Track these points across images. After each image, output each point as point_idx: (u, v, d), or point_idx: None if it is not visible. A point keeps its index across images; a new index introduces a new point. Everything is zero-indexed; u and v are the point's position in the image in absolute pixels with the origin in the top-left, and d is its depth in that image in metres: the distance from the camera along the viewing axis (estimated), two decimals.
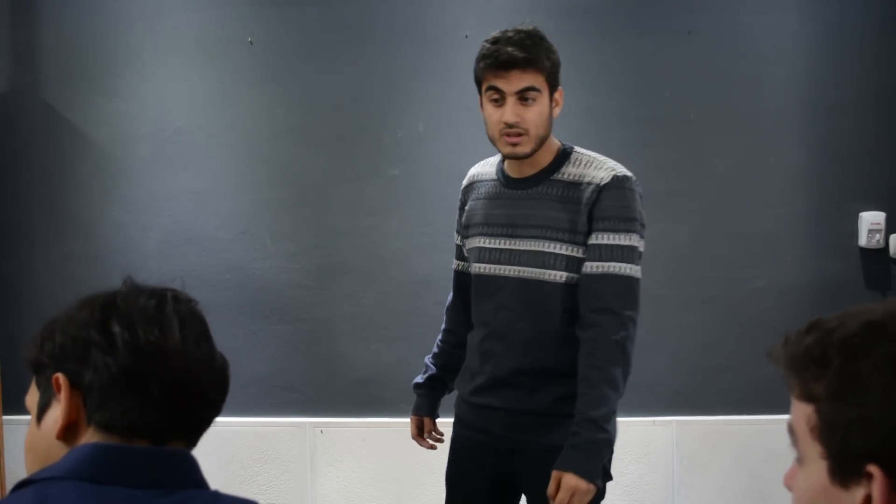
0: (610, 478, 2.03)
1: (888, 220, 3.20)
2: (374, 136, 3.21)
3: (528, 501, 2.07)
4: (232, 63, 3.24)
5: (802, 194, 3.24)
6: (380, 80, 3.23)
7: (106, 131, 3.27)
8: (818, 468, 0.85)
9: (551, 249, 1.97)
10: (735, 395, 3.25)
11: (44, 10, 3.25)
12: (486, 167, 2.16)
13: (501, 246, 2.04)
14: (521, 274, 2.00)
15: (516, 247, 2.01)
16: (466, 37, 3.14)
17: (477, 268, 2.09)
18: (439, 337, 2.29)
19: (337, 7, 3.22)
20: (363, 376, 3.23)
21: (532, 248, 1.99)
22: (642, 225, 2.03)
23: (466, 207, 2.17)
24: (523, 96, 1.94)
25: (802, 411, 0.87)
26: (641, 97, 3.21)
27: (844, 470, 0.83)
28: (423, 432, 2.29)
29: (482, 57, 1.97)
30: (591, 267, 1.95)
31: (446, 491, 2.17)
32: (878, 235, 3.19)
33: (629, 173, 2.02)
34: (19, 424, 3.16)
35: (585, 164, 2.01)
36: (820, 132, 3.23)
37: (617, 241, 1.96)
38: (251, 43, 3.23)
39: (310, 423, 3.22)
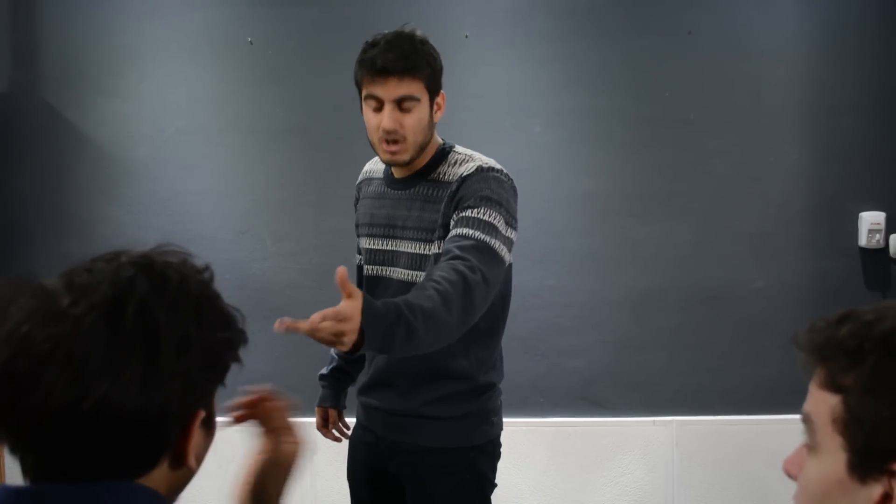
0: (494, 485, 2.06)
1: (888, 220, 3.20)
2: None
3: (409, 502, 2.07)
4: (232, 63, 3.24)
5: (802, 194, 3.24)
6: None
7: (106, 131, 3.27)
8: (835, 460, 0.84)
9: (426, 251, 1.94)
10: (735, 395, 3.25)
11: (44, 10, 3.25)
12: (377, 164, 2.12)
13: (383, 247, 2.03)
14: (401, 276, 1.99)
15: (396, 248, 2.00)
16: (466, 37, 3.14)
17: (366, 269, 2.08)
18: None
19: (337, 7, 3.21)
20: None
21: (409, 250, 1.97)
22: (508, 212, 1.88)
23: (358, 205, 2.17)
24: (401, 105, 1.88)
25: (825, 401, 0.86)
26: (641, 97, 3.21)
27: (865, 465, 0.82)
28: (328, 423, 2.29)
29: (360, 61, 1.90)
30: (449, 235, 1.86)
31: (349, 489, 2.19)
32: (878, 235, 3.19)
33: (497, 166, 1.95)
34: None
35: (459, 163, 1.96)
36: (820, 132, 3.23)
37: (474, 215, 1.84)
38: (251, 43, 3.23)
39: (310, 423, 3.20)
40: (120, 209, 3.28)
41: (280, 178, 3.27)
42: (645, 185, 3.24)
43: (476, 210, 1.84)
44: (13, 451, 0.87)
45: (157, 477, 0.89)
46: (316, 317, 1.49)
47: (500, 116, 3.18)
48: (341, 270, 1.53)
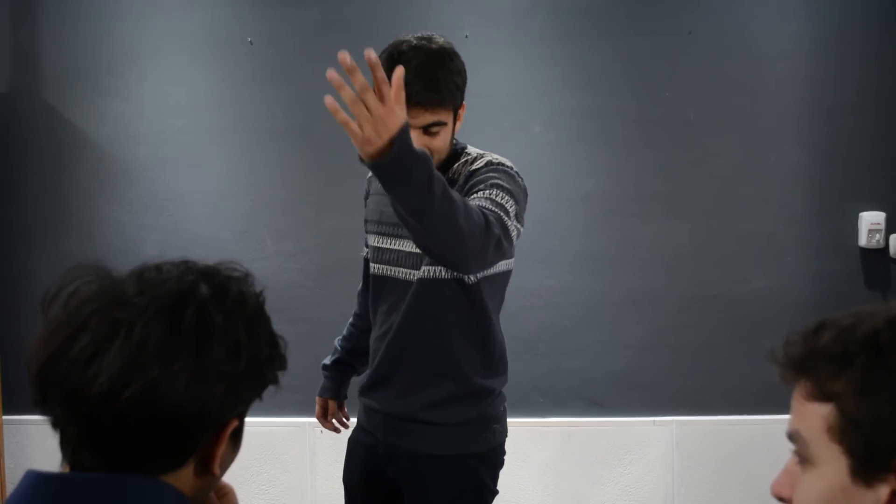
0: (495, 493, 2.04)
1: (888, 220, 3.20)
2: None
3: None
4: (232, 63, 3.24)
5: (802, 194, 3.24)
6: None
7: (106, 131, 3.27)
8: (835, 469, 0.83)
9: None
10: (735, 395, 3.25)
11: (44, 10, 3.25)
12: None
13: (390, 246, 2.02)
14: (406, 276, 1.97)
15: (402, 248, 1.99)
16: (467, 37, 3.14)
17: (373, 267, 2.06)
18: (350, 320, 2.26)
19: (337, 7, 3.21)
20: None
21: (415, 250, 1.94)
22: (517, 203, 1.82)
23: (367, 200, 2.14)
24: (428, 130, 1.85)
25: (815, 412, 0.85)
26: (641, 97, 3.21)
27: (870, 467, 0.81)
28: (328, 414, 2.28)
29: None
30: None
31: (344, 490, 2.18)
32: (878, 235, 3.19)
33: (509, 163, 1.93)
34: (19, 424, 3.15)
35: (470, 162, 1.94)
36: (820, 132, 3.23)
37: (490, 196, 1.78)
38: (251, 43, 3.23)
39: (310, 423, 3.22)
40: (120, 209, 3.28)
41: (280, 178, 3.27)
42: (645, 185, 3.24)
43: (489, 192, 1.80)
44: (55, 425, 0.90)
45: (183, 480, 0.92)
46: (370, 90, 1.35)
47: (500, 116, 3.18)
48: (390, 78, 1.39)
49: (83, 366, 0.86)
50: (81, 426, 0.88)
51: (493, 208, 1.74)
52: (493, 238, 1.65)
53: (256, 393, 0.97)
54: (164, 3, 3.23)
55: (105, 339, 0.86)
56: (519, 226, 1.82)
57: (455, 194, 1.57)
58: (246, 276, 0.98)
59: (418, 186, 1.47)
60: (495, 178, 1.84)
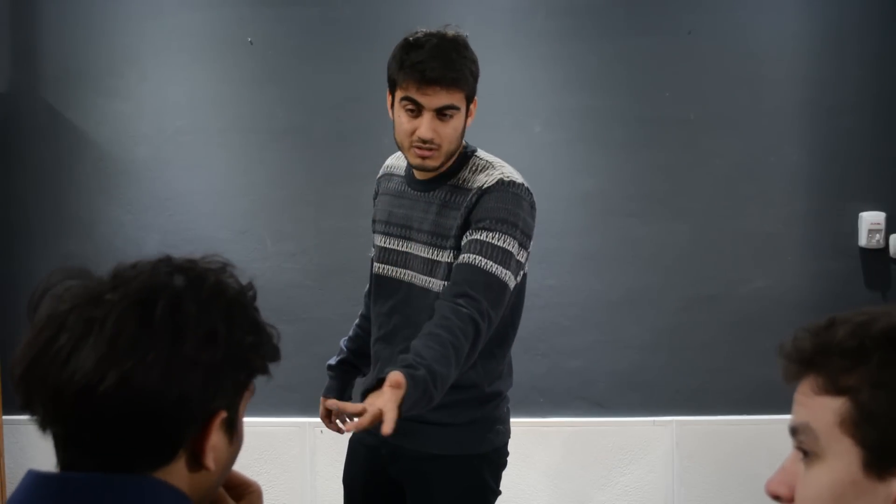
0: (498, 493, 2.04)
1: (888, 220, 3.21)
2: (374, 136, 3.20)
3: None
4: (232, 63, 3.24)
5: (802, 194, 3.24)
6: (380, 80, 3.18)
7: (106, 131, 3.27)
8: (846, 462, 0.83)
9: (437, 257, 1.92)
10: (735, 395, 3.25)
11: (44, 10, 3.25)
12: (399, 160, 2.10)
13: (397, 247, 2.01)
14: (412, 279, 1.97)
15: (410, 250, 1.98)
16: (467, 36, 3.13)
17: (376, 267, 2.06)
18: (356, 321, 2.26)
19: (337, 7, 3.22)
20: None
21: (421, 254, 1.94)
22: (524, 233, 1.88)
23: (376, 200, 2.14)
24: (442, 113, 1.86)
25: (826, 406, 0.85)
26: (641, 97, 3.21)
27: (883, 460, 0.82)
28: (332, 415, 2.26)
29: (401, 63, 1.87)
30: (461, 258, 1.85)
31: (343, 491, 2.17)
32: (878, 235, 3.19)
33: (519, 180, 1.92)
34: (19, 424, 3.15)
35: (479, 170, 1.93)
36: (820, 132, 3.23)
37: (490, 240, 1.83)
38: (251, 43, 3.23)
39: (310, 423, 3.22)
40: (120, 209, 3.28)
41: (280, 178, 3.27)
42: (645, 185, 3.24)
43: (491, 234, 1.83)
44: (42, 425, 0.91)
45: (177, 475, 0.91)
46: (364, 419, 1.61)
47: (500, 116, 3.18)
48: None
49: (61, 365, 0.86)
50: (64, 425, 0.89)
51: (490, 266, 1.81)
52: (482, 334, 1.77)
53: (242, 384, 0.95)
54: (164, 3, 3.23)
55: (81, 337, 0.87)
56: (524, 255, 1.88)
57: (447, 345, 1.71)
58: (224, 267, 0.97)
59: (427, 406, 1.69)
60: (501, 210, 1.86)
